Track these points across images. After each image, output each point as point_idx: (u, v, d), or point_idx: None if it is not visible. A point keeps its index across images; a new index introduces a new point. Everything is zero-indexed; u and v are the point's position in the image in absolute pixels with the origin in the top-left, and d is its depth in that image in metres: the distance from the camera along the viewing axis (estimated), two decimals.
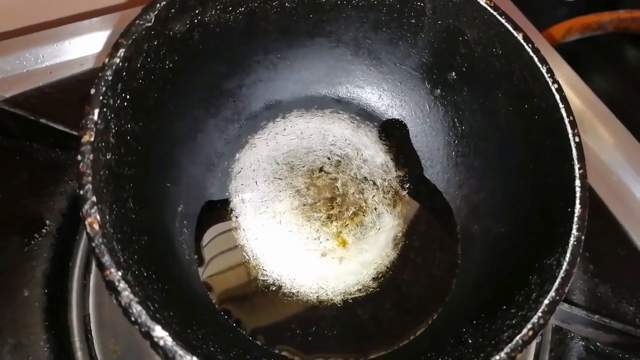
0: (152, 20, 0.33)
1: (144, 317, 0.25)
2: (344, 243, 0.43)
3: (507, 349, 0.28)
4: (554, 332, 0.44)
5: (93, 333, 0.40)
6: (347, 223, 0.44)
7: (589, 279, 0.46)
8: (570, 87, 0.59)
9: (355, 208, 0.44)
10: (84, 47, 0.53)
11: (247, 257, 0.41)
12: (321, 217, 0.43)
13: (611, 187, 0.53)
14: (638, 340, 0.41)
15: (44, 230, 0.42)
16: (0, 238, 0.41)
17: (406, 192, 0.46)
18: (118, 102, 0.31)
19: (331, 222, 0.43)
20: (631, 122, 0.57)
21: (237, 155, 0.45)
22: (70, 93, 0.49)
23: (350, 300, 0.41)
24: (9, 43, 0.51)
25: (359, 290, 0.41)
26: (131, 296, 0.26)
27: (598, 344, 0.43)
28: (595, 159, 0.55)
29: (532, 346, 0.43)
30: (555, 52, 0.61)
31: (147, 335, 0.25)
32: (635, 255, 0.48)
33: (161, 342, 0.25)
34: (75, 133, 0.42)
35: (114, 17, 0.55)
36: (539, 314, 0.29)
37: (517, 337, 0.28)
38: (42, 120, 0.42)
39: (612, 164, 0.55)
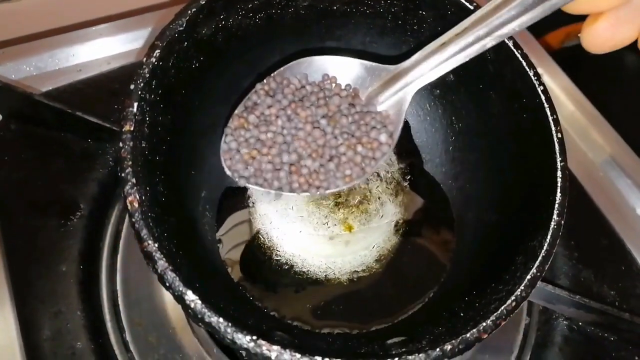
0: (184, 25, 0.35)
1: (177, 283, 0.28)
2: (349, 228, 0.45)
3: (492, 317, 0.30)
4: (541, 313, 0.46)
5: (120, 307, 0.43)
6: (353, 210, 0.46)
7: (573, 265, 0.48)
8: (563, 91, 0.61)
9: (360, 197, 0.46)
10: (110, 47, 0.55)
11: (263, 239, 0.43)
12: (329, 204, 0.45)
13: (599, 183, 0.55)
14: (615, 319, 0.43)
15: (78, 213, 0.44)
16: (40, 219, 0.43)
17: (407, 183, 0.48)
18: (152, 96, 0.33)
19: (338, 209, 0.45)
20: (619, 124, 0.60)
21: None
22: (99, 89, 0.52)
23: (355, 279, 0.43)
24: (43, 42, 0.54)
25: (363, 270, 0.43)
26: (166, 265, 0.28)
27: (580, 323, 0.46)
28: (585, 159, 0.57)
29: (521, 325, 0.46)
30: (549, 57, 0.63)
31: (180, 298, 0.28)
32: (617, 244, 0.51)
33: (192, 305, 0.27)
34: (107, 125, 0.46)
35: (136, 20, 0.58)
36: (522, 287, 0.31)
37: (502, 307, 0.30)
38: (78, 113, 0.44)
39: (600, 163, 0.57)
